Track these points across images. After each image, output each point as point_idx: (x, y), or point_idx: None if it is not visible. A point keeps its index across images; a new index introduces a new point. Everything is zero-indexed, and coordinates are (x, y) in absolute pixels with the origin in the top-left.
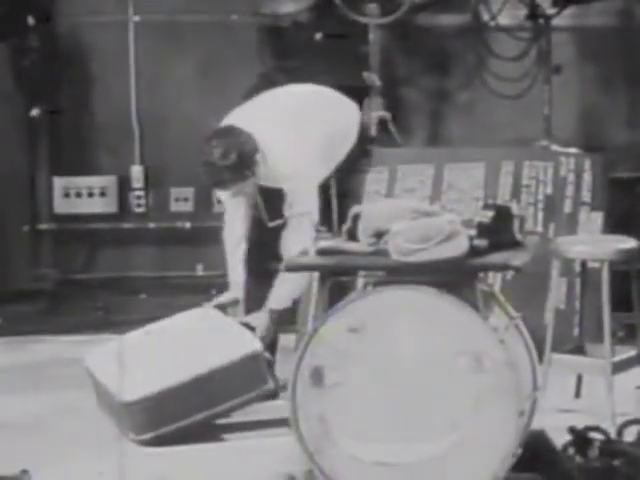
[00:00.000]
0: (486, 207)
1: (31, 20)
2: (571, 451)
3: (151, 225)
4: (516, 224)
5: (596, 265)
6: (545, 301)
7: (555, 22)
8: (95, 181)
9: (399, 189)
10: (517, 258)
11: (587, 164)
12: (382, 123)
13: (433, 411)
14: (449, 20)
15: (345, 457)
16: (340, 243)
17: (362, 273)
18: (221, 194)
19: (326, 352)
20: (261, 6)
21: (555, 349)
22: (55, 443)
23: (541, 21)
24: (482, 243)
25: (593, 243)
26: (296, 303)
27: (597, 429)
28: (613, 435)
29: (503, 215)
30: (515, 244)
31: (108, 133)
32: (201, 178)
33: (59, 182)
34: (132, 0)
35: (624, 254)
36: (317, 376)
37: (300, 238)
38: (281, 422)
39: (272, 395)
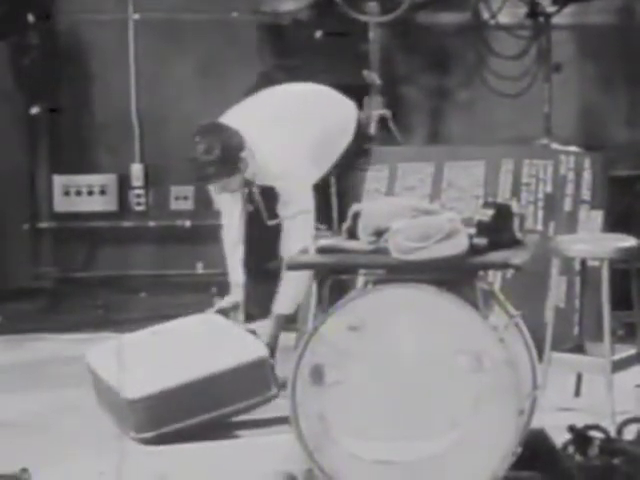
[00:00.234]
0: (486, 205)
1: (31, 18)
2: (571, 450)
3: (151, 223)
4: (516, 222)
5: (596, 263)
6: (545, 300)
7: (555, 20)
8: (95, 179)
9: (399, 187)
10: (517, 257)
11: (587, 162)
12: (382, 121)
13: (433, 409)
14: (449, 18)
15: (345, 455)
16: (340, 241)
17: (362, 271)
18: (214, 196)
19: (326, 350)
20: (261, 4)
21: (555, 348)
22: (55, 442)
23: (541, 19)
24: (482, 241)
25: (593, 241)
26: None
27: (597, 428)
28: (613, 434)
29: (503, 213)
30: (515, 242)
31: (108, 131)
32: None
33: (59, 180)
34: None
35: (624, 252)
36: (317, 374)
37: (298, 237)
38: (281, 420)
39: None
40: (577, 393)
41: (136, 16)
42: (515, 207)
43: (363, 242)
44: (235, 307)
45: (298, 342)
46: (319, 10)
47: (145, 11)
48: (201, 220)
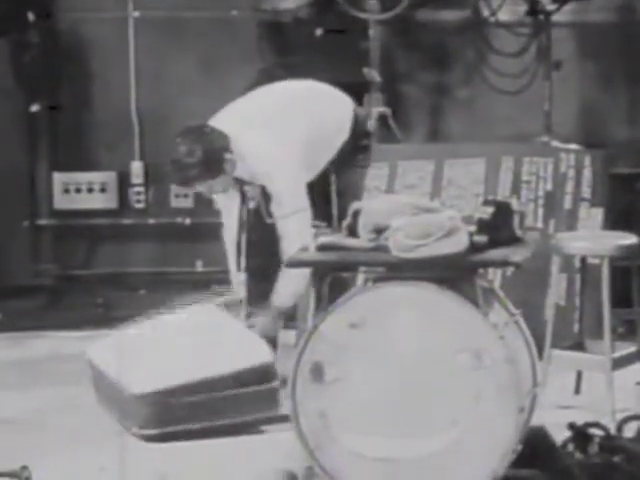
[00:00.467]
0: (486, 203)
1: (31, 16)
2: (571, 447)
3: (151, 221)
4: (516, 220)
5: (596, 261)
6: (545, 297)
7: (555, 18)
8: (95, 177)
9: (399, 185)
10: (517, 254)
11: (587, 160)
12: (382, 119)
13: (433, 407)
14: (449, 16)
15: (345, 453)
16: (340, 239)
17: (362, 269)
18: (213, 195)
19: (326, 348)
20: (261, 2)
21: (555, 345)
22: (55, 439)
23: (541, 17)
24: (482, 239)
25: (593, 239)
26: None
27: (597, 425)
28: (613, 431)
29: (503, 211)
30: (515, 240)
31: (108, 129)
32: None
33: (59, 178)
34: None
35: (624, 250)
36: (317, 372)
37: (294, 238)
38: (281, 418)
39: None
40: (577, 391)
41: (136, 14)
42: (515, 205)
43: (363, 240)
44: (236, 304)
45: (298, 339)
46: (319, 8)
47: (145, 9)
48: (201, 218)
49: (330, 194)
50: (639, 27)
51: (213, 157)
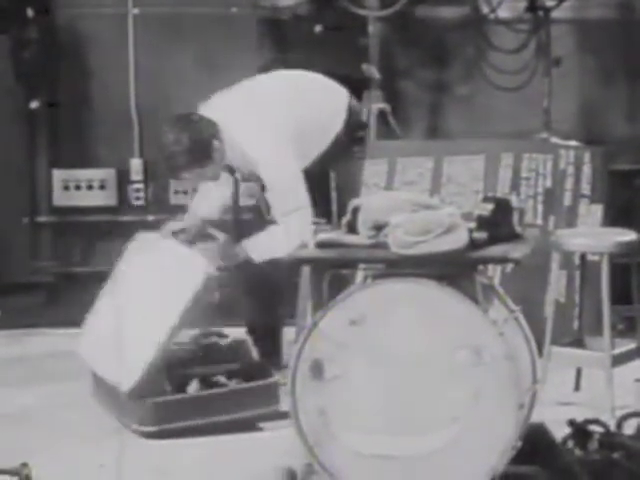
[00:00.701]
0: (486, 200)
1: (30, 12)
2: (571, 444)
3: (150, 218)
4: (516, 217)
5: (596, 258)
6: (545, 294)
7: (554, 14)
8: (94, 174)
9: (398, 182)
10: (517, 251)
11: (587, 157)
12: (381, 115)
13: (433, 404)
14: (449, 12)
15: (345, 450)
16: (340, 236)
17: (362, 266)
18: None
19: (326, 345)
20: None
21: (555, 342)
22: (54, 435)
23: (540, 13)
24: (482, 236)
25: (593, 236)
26: (295, 297)
27: (597, 422)
28: (613, 428)
29: (503, 208)
30: (515, 237)
31: (107, 126)
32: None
33: (58, 175)
34: None
35: (624, 247)
36: (317, 369)
37: (295, 236)
38: (280, 415)
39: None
40: (577, 387)
41: (135, 10)
42: (515, 201)
43: (362, 236)
44: (184, 231)
45: (298, 336)
46: (318, 4)
47: (145, 5)
48: None
49: (329, 190)
50: (638, 24)
51: (201, 145)
